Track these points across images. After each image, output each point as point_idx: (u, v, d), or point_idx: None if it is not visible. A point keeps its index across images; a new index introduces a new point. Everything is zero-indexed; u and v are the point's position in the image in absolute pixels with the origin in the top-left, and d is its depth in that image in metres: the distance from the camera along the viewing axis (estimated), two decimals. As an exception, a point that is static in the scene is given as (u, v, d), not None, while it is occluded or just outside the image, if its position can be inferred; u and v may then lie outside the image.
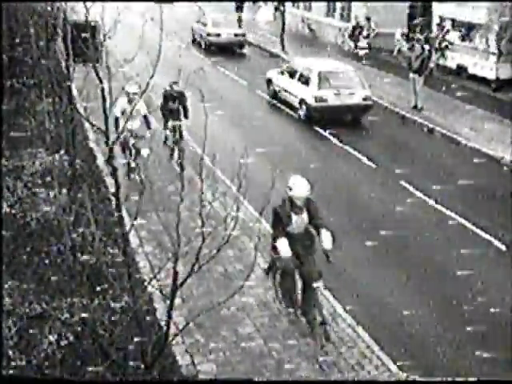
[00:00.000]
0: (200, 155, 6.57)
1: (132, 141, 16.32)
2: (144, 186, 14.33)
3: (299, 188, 10.50)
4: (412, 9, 34.68)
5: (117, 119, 15.46)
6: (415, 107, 24.63)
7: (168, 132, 18.01)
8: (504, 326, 11.41)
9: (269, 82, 26.39)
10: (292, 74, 24.39)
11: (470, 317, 11.62)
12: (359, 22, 35.06)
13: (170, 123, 17.76)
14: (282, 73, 25.47)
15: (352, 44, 35.60)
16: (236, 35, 36.65)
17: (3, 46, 17.95)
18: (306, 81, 23.30)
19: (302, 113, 23.42)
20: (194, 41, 39.22)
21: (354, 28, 35.35)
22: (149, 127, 16.37)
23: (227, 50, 36.30)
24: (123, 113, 15.62)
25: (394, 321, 11.57)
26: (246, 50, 37.28)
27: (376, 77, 30.37)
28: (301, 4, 43.26)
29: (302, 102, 23.26)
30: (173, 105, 17.76)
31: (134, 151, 16.45)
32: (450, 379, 10.03)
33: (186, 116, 17.93)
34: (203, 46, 37.41)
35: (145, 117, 16.31)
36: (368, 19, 34.77)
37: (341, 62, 26.16)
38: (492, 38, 27.13)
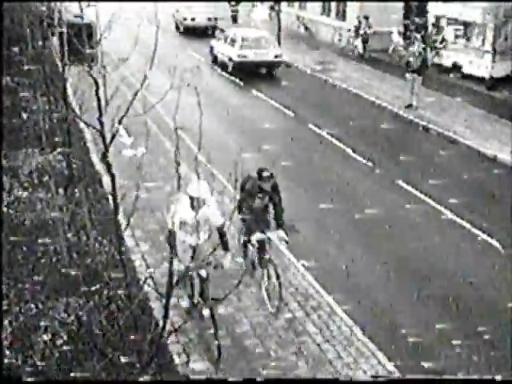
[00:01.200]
0: (194, 150, 6.53)
1: (203, 273, 10.19)
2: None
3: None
4: (407, 8, 34.64)
5: (171, 235, 9.81)
6: (410, 106, 24.63)
7: (251, 248, 11.92)
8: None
9: (211, 49, 33.37)
10: (225, 40, 31.66)
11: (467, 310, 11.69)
12: (362, 21, 34.84)
13: (256, 236, 11.33)
14: (219, 40, 32.94)
15: (356, 43, 35.29)
16: (209, 19, 41.59)
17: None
18: (233, 44, 30.68)
19: (230, 68, 30.58)
20: (176, 27, 42.94)
21: (357, 28, 35.09)
22: (226, 247, 10.18)
23: (202, 32, 40.84)
24: (183, 224, 10.10)
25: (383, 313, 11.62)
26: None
27: (372, 76, 30.42)
28: (296, 3, 43.29)
29: (230, 59, 30.64)
30: (260, 203, 11.50)
31: (198, 289, 10.44)
32: (449, 378, 10.05)
33: (278, 223, 11.48)
34: (181, 30, 41.94)
35: (220, 233, 10.16)
36: (366, 18, 34.63)
37: (260, 30, 34.17)
38: (487, 37, 27.18)
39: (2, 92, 18.05)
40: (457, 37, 29.39)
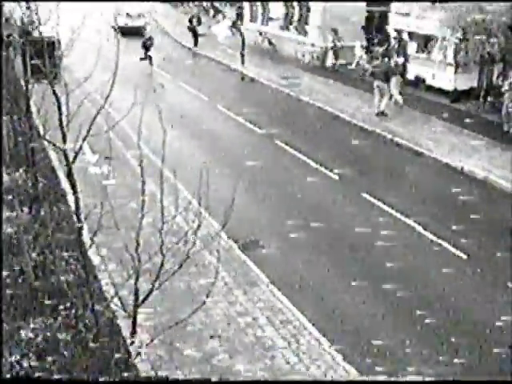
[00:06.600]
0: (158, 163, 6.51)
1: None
2: None
3: None
4: (368, 21, 34.93)
5: None
6: (382, 113, 25.01)
7: None
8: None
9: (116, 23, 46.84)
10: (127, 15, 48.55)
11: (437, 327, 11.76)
12: (330, 34, 34.77)
13: None
14: (119, 17, 48.23)
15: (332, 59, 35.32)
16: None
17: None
18: (121, 17, 48.01)
19: (118, 31, 43.87)
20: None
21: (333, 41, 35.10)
22: None
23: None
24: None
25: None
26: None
27: (335, 89, 30.58)
28: (258, 18, 42.97)
29: (119, 26, 44.06)
30: None
31: None
32: (449, 379, 10.15)
33: None
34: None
35: None
36: (335, 31, 34.56)
37: (139, 8, 48.88)
38: (448, 50, 27.47)
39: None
40: (418, 50, 29.70)
